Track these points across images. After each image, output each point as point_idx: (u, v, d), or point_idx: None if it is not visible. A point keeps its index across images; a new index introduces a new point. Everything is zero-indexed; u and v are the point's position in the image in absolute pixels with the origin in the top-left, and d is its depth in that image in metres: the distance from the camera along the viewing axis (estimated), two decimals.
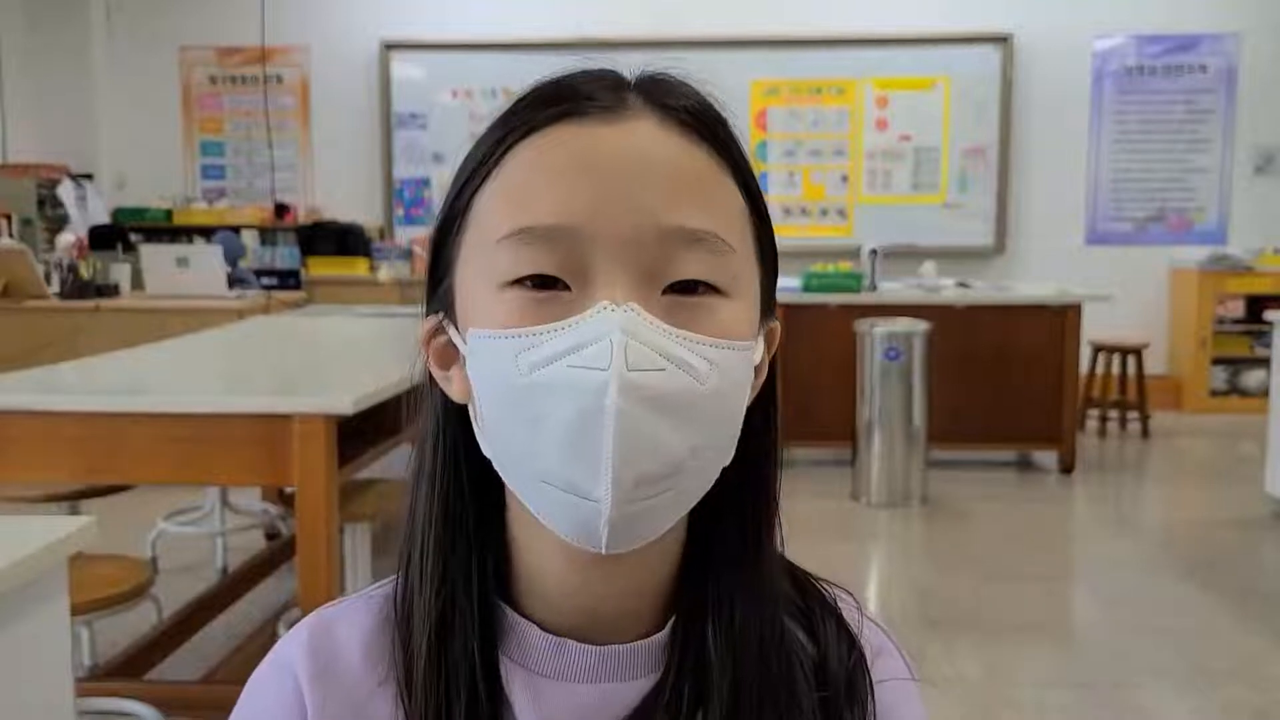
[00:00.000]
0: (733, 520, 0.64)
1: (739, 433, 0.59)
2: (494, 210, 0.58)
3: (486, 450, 0.59)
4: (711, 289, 0.57)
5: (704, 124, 0.59)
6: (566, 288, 0.56)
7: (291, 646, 0.65)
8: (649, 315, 0.54)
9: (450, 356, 0.62)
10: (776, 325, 0.64)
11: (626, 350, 0.53)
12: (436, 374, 0.63)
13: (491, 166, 0.59)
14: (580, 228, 0.55)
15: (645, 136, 0.57)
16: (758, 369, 0.61)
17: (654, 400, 0.53)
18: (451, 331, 0.61)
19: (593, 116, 0.57)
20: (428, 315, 0.64)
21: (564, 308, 0.55)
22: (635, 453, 0.53)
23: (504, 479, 0.59)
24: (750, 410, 0.61)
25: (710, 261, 0.57)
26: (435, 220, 0.63)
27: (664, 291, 0.56)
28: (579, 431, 0.53)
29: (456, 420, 0.63)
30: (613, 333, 0.53)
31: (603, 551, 0.55)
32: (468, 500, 0.63)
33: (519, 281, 0.56)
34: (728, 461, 0.59)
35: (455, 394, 0.62)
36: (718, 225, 0.57)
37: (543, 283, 0.56)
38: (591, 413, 0.52)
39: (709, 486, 0.59)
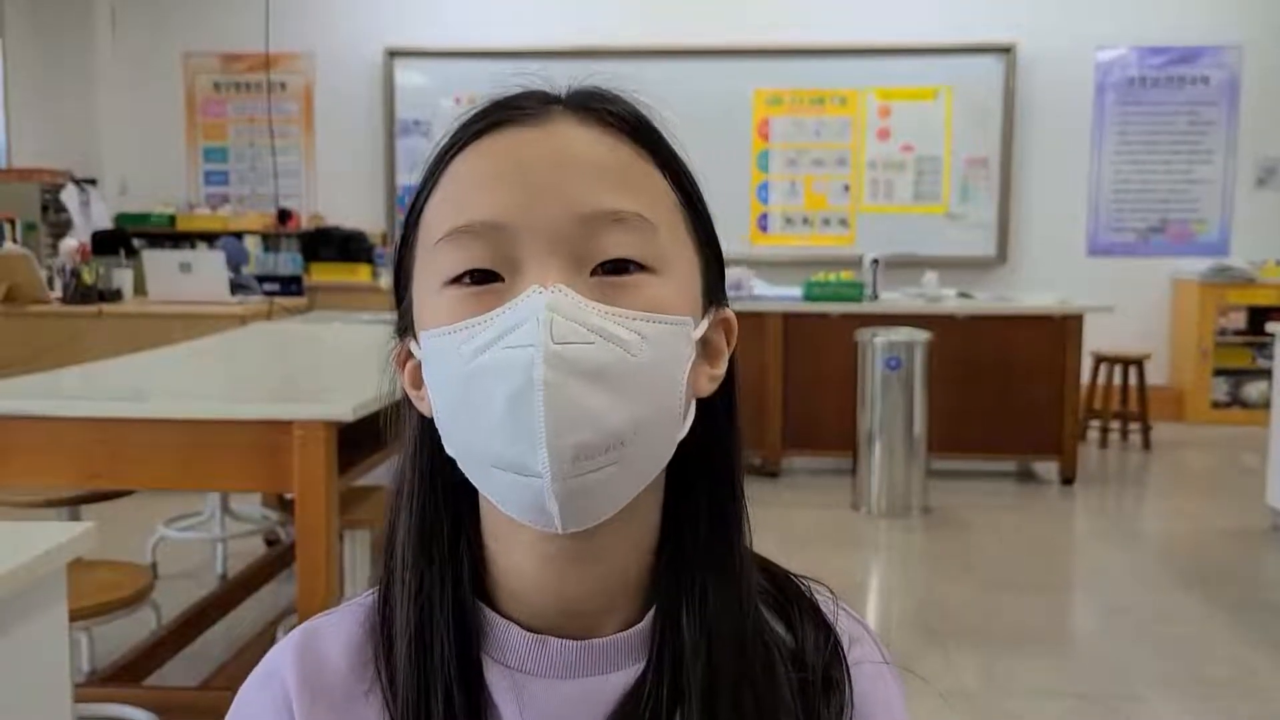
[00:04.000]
0: (701, 513, 0.66)
1: (683, 406, 0.61)
2: (434, 220, 0.62)
3: (449, 450, 0.62)
4: (640, 268, 0.59)
5: (625, 121, 0.63)
6: (501, 280, 0.59)
7: (280, 655, 0.67)
8: (576, 294, 0.57)
9: (420, 375, 0.64)
10: (730, 315, 0.66)
11: (552, 326, 0.55)
12: (411, 394, 0.66)
13: (434, 183, 0.63)
14: (509, 222, 0.58)
15: (566, 135, 0.61)
16: (715, 358, 0.64)
17: (584, 372, 0.55)
18: (412, 345, 0.64)
19: (518, 123, 0.61)
20: (397, 336, 0.67)
21: (499, 298, 0.58)
22: (567, 423, 0.55)
23: (466, 474, 0.61)
24: (712, 403, 0.64)
25: (633, 239, 0.59)
26: (396, 243, 0.66)
27: (593, 273, 0.59)
28: (514, 408, 0.55)
29: (432, 437, 0.64)
30: (539, 311, 0.55)
31: (559, 530, 0.57)
32: (443, 514, 0.65)
33: (458, 279, 0.59)
34: (679, 435, 0.61)
35: (427, 410, 0.64)
36: (639, 205, 0.60)
37: (480, 278, 0.59)
38: (523, 388, 0.55)
39: (662, 461, 0.61)
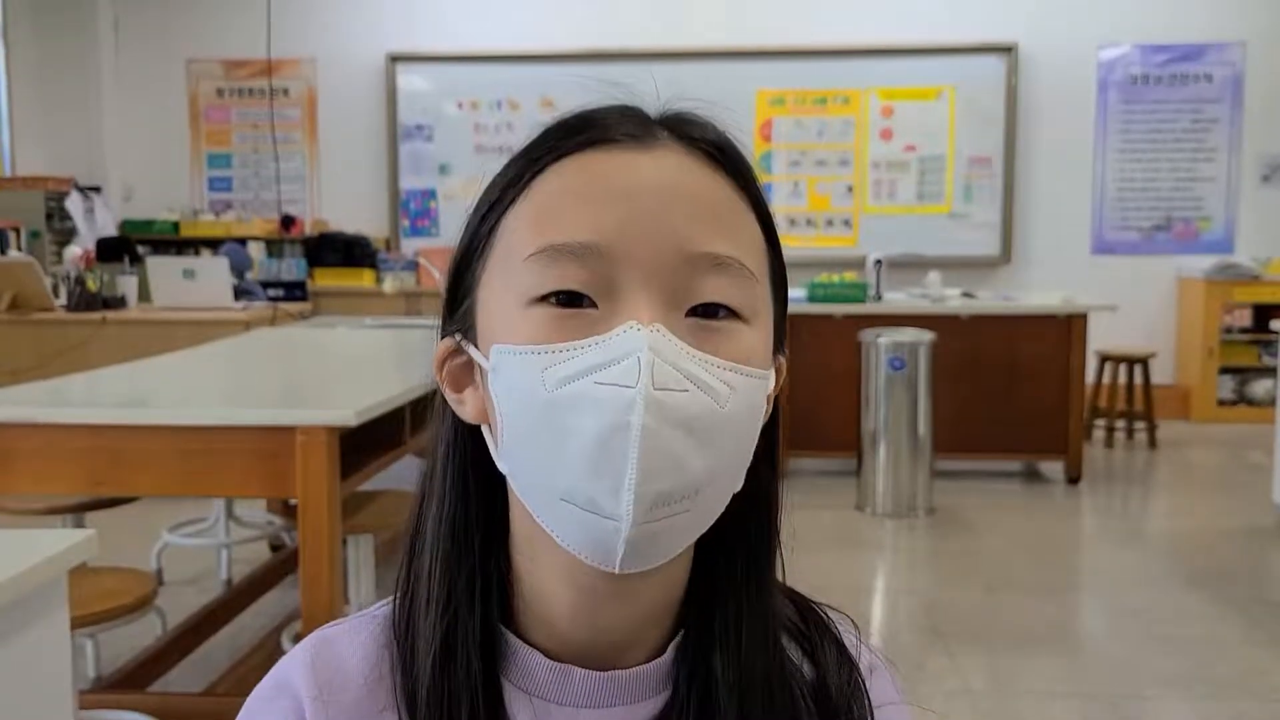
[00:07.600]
0: (737, 547, 0.64)
1: (750, 459, 0.60)
2: (522, 231, 0.59)
3: (504, 468, 0.60)
4: (733, 314, 0.58)
5: (727, 158, 0.61)
6: (593, 305, 0.56)
7: (292, 665, 0.65)
8: (674, 336, 0.55)
9: (464, 379, 0.62)
10: (784, 361, 0.65)
11: (653, 369, 0.53)
12: (450, 396, 0.63)
13: (519, 191, 0.60)
14: (609, 247, 0.56)
15: (672, 165, 0.59)
16: (767, 398, 0.62)
17: (677, 420, 0.54)
18: (471, 350, 0.62)
19: (621, 144, 0.59)
20: (444, 338, 0.64)
21: (589, 325, 0.56)
22: (657, 471, 0.53)
23: (521, 497, 0.60)
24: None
25: (733, 287, 0.58)
26: (459, 244, 0.63)
27: (687, 314, 0.57)
28: (603, 448, 0.53)
29: (467, 443, 0.63)
30: (640, 351, 0.54)
31: (616, 570, 0.55)
32: (474, 524, 0.63)
33: (545, 298, 0.57)
34: (738, 487, 0.60)
35: (468, 416, 0.62)
36: (741, 253, 0.59)
37: (569, 300, 0.56)
38: (618, 429, 0.53)
39: (721, 509, 0.59)
